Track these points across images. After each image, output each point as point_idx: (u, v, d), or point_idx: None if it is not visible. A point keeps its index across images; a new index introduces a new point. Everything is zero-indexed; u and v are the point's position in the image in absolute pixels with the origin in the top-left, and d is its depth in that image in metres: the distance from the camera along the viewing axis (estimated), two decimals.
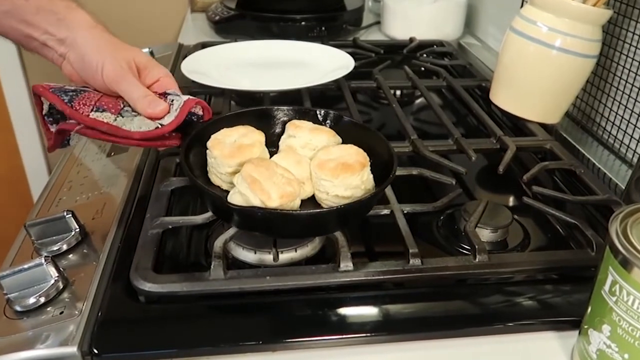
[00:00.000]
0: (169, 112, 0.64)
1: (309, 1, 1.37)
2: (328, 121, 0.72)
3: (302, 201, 0.61)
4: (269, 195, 0.56)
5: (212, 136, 0.65)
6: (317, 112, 0.72)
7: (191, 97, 0.67)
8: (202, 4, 1.64)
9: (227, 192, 0.61)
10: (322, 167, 0.61)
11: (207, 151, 0.64)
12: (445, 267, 0.58)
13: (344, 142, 0.67)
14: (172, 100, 0.65)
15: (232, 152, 0.62)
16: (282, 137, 0.70)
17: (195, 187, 0.60)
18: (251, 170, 0.58)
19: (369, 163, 0.62)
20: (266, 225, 0.57)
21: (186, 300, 0.56)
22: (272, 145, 0.69)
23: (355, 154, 0.63)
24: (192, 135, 0.64)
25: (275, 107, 0.73)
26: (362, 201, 0.58)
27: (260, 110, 0.72)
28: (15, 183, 1.87)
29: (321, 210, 0.59)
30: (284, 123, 0.71)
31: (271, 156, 0.66)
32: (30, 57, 1.57)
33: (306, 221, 0.57)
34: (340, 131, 0.69)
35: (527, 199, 0.69)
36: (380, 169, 0.63)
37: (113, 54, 0.65)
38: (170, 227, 0.63)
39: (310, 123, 0.70)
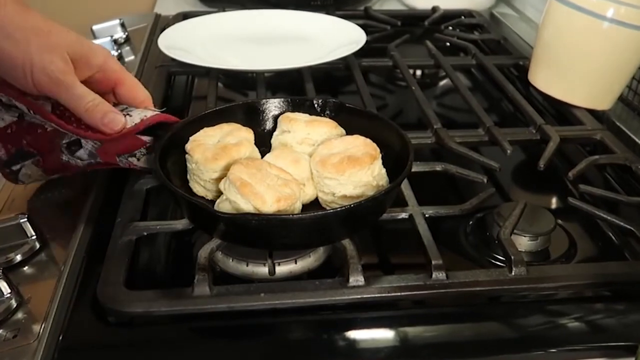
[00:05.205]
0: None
1: None
2: (327, 111, 0.72)
3: (304, 206, 0.61)
4: (263, 199, 0.56)
5: (191, 138, 0.65)
6: (314, 101, 0.72)
7: (156, 111, 0.67)
8: None
9: (214, 202, 0.61)
10: (324, 164, 0.61)
11: (187, 156, 0.64)
12: (475, 282, 0.58)
13: (348, 134, 0.67)
14: (129, 113, 0.66)
15: (216, 154, 0.62)
16: (275, 133, 0.70)
17: (173, 195, 0.60)
18: (240, 172, 0.57)
19: (380, 155, 0.62)
20: (262, 236, 0.57)
21: (164, 321, 0.56)
22: (263, 144, 0.69)
23: (362, 145, 0.63)
24: (167, 138, 0.64)
25: (264, 100, 0.73)
26: (377, 198, 0.58)
27: (245, 105, 0.73)
28: None
29: (327, 211, 0.59)
30: (275, 117, 0.71)
31: (263, 156, 0.66)
32: None
33: (310, 227, 0.57)
34: (343, 122, 0.69)
35: (573, 200, 0.69)
36: (394, 163, 0.63)
37: (40, 46, 0.60)
38: (145, 233, 0.63)
39: (306, 115, 0.70)
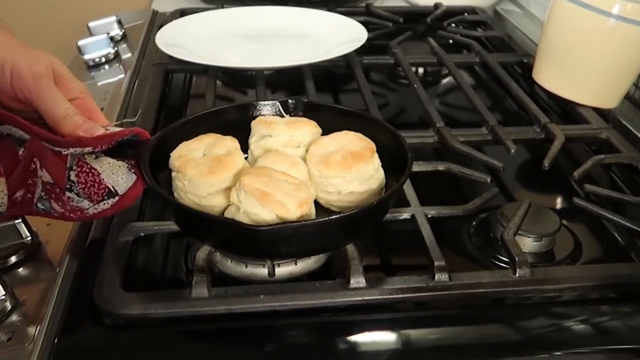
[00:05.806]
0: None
1: None
2: (300, 112, 0.70)
3: None
4: (285, 207, 0.54)
5: (174, 155, 0.61)
6: (280, 103, 0.70)
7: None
8: None
9: None
10: (327, 163, 0.61)
11: (174, 175, 0.61)
12: (478, 284, 0.58)
13: (324, 133, 0.66)
14: (107, 128, 0.62)
15: (211, 167, 0.59)
16: (252, 139, 0.67)
17: (180, 213, 0.58)
18: (254, 182, 0.56)
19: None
20: (293, 244, 0.55)
21: (162, 324, 0.56)
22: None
23: (357, 140, 0.63)
24: (148, 156, 0.60)
25: (224, 107, 0.71)
26: (394, 191, 0.57)
27: (213, 113, 0.70)
28: None
29: (359, 209, 0.56)
30: (245, 123, 0.68)
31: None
32: None
33: (339, 228, 0.56)
34: (318, 121, 0.67)
35: (578, 200, 0.69)
36: (386, 162, 0.63)
37: (26, 52, 0.60)
38: (142, 234, 0.63)
39: (278, 117, 0.68)
